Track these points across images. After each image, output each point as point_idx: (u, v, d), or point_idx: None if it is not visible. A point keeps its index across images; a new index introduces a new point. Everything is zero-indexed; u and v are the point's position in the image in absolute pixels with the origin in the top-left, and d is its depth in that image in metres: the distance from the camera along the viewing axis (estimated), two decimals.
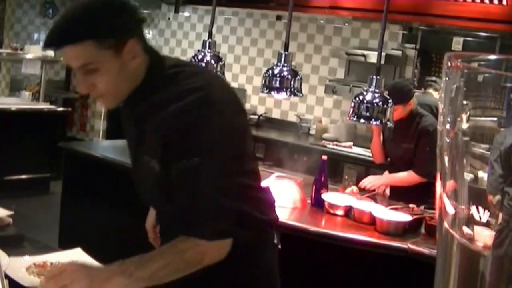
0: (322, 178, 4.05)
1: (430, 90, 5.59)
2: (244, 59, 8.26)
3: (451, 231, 0.65)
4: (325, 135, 7.03)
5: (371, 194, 4.34)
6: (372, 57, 6.53)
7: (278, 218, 2.21)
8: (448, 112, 0.65)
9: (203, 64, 4.12)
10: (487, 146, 0.65)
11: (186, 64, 2.12)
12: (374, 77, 3.83)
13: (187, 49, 8.88)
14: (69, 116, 9.46)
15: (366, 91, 3.81)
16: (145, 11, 8.78)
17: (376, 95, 3.78)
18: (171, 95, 1.88)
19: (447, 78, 0.64)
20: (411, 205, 3.94)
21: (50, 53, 8.25)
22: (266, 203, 2.11)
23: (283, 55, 4.04)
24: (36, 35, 10.47)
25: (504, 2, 5.42)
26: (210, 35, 4.37)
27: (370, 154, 5.02)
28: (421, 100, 4.83)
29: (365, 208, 3.83)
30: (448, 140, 0.66)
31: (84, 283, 1.74)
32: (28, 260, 2.26)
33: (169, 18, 9.18)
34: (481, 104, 0.65)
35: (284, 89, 4.03)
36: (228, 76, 7.73)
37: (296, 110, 7.75)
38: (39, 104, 7.90)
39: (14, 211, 2.73)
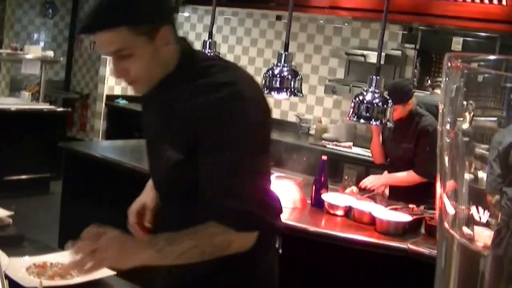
0: (322, 178, 4.05)
1: (438, 91, 5.60)
2: (244, 59, 8.26)
3: (451, 231, 0.66)
4: (325, 135, 7.03)
5: (370, 194, 4.33)
6: (372, 57, 6.52)
7: (283, 226, 2.21)
8: (448, 112, 0.65)
9: None
10: (487, 146, 0.66)
11: (218, 59, 2.16)
12: (374, 77, 3.83)
13: None
14: (69, 116, 9.48)
15: (366, 91, 3.81)
16: None
17: (376, 95, 3.78)
18: (203, 87, 1.91)
19: (447, 79, 0.64)
20: (411, 205, 3.94)
21: (50, 53, 8.27)
22: (275, 208, 2.11)
23: (283, 55, 4.04)
24: (36, 35, 10.48)
25: (504, 2, 5.42)
26: (211, 35, 4.37)
27: (370, 154, 5.02)
28: (428, 100, 4.83)
29: (365, 208, 3.83)
30: (448, 140, 0.66)
31: (115, 250, 1.83)
32: (28, 260, 2.26)
33: None
34: (481, 104, 0.65)
35: (284, 89, 4.03)
36: None
37: (296, 110, 7.75)
38: (39, 104, 7.90)
39: (14, 211, 2.73)
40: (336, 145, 6.62)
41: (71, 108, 9.16)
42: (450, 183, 0.66)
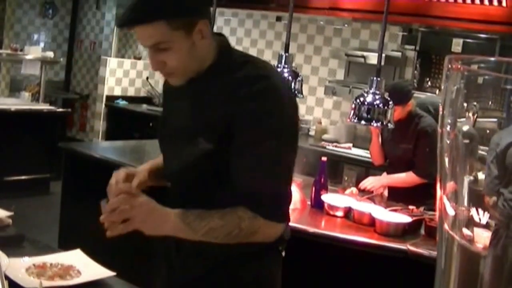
0: (322, 179, 4.05)
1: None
2: None
3: (451, 232, 0.66)
4: (325, 136, 7.03)
5: (370, 196, 4.33)
6: (372, 58, 6.53)
7: (289, 229, 2.22)
8: (448, 114, 0.65)
9: None
10: (487, 148, 0.66)
11: (252, 55, 2.20)
12: (375, 78, 3.83)
13: None
14: (69, 117, 9.48)
15: (367, 92, 3.81)
16: None
17: (377, 96, 3.79)
18: (240, 80, 1.96)
19: (447, 80, 0.65)
20: (410, 207, 3.94)
21: (50, 53, 8.27)
22: (287, 211, 2.13)
23: (284, 57, 4.04)
24: (36, 36, 10.48)
25: (504, 4, 5.43)
26: None
27: (370, 155, 5.02)
28: (436, 101, 4.83)
29: (364, 209, 3.83)
30: (448, 142, 0.66)
31: (143, 215, 1.87)
32: (27, 261, 2.26)
33: None
34: (482, 105, 0.65)
35: None
36: None
37: None
38: (39, 105, 7.91)
39: (13, 211, 2.73)
40: (336, 146, 6.62)
41: (71, 109, 9.17)
42: (450, 185, 0.66)
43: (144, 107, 8.91)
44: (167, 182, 2.25)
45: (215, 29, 7.07)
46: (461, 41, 6.03)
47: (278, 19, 7.95)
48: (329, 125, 7.35)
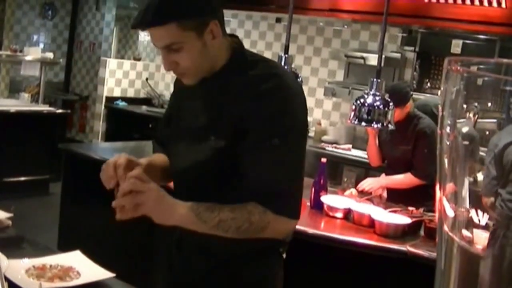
0: (321, 181, 4.05)
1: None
2: None
3: (450, 234, 0.66)
4: (324, 138, 7.04)
5: (369, 197, 4.33)
6: (372, 59, 6.53)
7: (290, 235, 2.23)
8: (448, 115, 0.65)
9: None
10: (485, 148, 0.66)
11: (263, 56, 2.26)
12: (375, 80, 3.83)
13: None
14: (68, 118, 9.47)
15: (367, 94, 3.81)
16: None
17: (377, 98, 3.79)
18: (253, 78, 2.01)
19: (446, 82, 0.65)
20: (410, 208, 3.94)
21: (50, 54, 8.27)
22: (298, 208, 2.14)
23: (284, 58, 4.05)
24: (35, 37, 10.48)
25: (504, 5, 5.43)
26: None
27: (367, 157, 5.02)
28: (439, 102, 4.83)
29: (364, 210, 3.83)
30: (447, 143, 0.66)
31: (153, 204, 1.89)
32: (27, 262, 2.26)
33: None
34: (481, 107, 0.65)
35: None
36: None
37: None
38: (39, 106, 7.91)
39: (13, 212, 2.73)
40: (335, 147, 6.63)
41: (71, 110, 9.16)
42: (450, 186, 0.66)
43: (144, 108, 8.91)
44: (160, 182, 2.24)
45: None
46: (460, 42, 6.04)
47: (278, 20, 7.95)
48: (329, 126, 7.35)
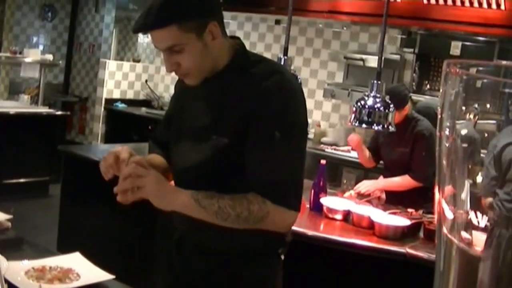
0: (321, 182, 4.05)
1: None
2: None
3: (449, 236, 0.66)
4: (324, 139, 7.03)
5: (369, 199, 4.33)
6: (371, 61, 6.54)
7: (290, 234, 2.26)
8: (447, 117, 0.66)
9: None
10: (486, 150, 0.66)
11: (265, 56, 2.30)
12: (375, 82, 3.83)
13: None
14: (68, 120, 9.47)
15: (367, 96, 3.81)
16: None
17: (377, 99, 3.79)
18: (255, 76, 2.05)
19: (446, 84, 0.65)
20: (409, 210, 3.94)
21: (49, 56, 8.27)
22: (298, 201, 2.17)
23: (282, 60, 4.05)
24: (35, 38, 10.47)
25: (503, 7, 5.43)
26: None
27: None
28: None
29: (363, 212, 3.83)
30: (447, 145, 0.66)
31: (153, 187, 1.94)
32: (27, 264, 2.26)
33: None
34: (480, 109, 0.65)
35: None
36: None
37: None
38: (38, 108, 7.91)
39: (13, 214, 2.73)
40: (334, 149, 6.63)
41: (70, 112, 9.16)
42: (449, 188, 0.66)
43: (143, 110, 8.90)
44: None
45: None
46: (460, 44, 6.04)
47: (277, 22, 7.95)
48: (328, 128, 7.35)
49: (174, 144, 2.25)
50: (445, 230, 0.66)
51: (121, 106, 9.12)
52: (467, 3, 5.61)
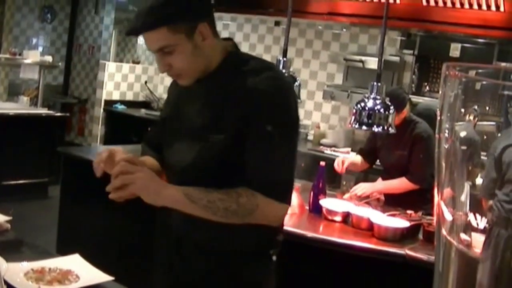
0: (320, 184, 4.05)
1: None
2: None
3: (449, 237, 0.66)
4: (323, 141, 7.04)
5: (368, 200, 4.33)
6: (370, 62, 6.54)
7: (283, 236, 2.28)
8: (446, 119, 0.66)
9: None
10: (485, 153, 0.66)
11: (255, 56, 2.33)
12: (375, 83, 3.83)
13: None
14: (67, 121, 9.47)
15: (367, 97, 3.81)
16: None
17: (377, 101, 3.79)
18: (247, 72, 2.08)
19: (445, 86, 0.65)
20: (408, 211, 3.94)
21: (49, 58, 8.27)
22: (289, 194, 2.19)
23: (282, 61, 4.05)
24: (34, 40, 10.48)
25: (502, 9, 5.44)
26: None
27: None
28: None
29: (363, 214, 3.83)
30: (446, 147, 0.66)
31: (143, 183, 1.96)
32: (26, 265, 2.26)
33: None
34: (480, 111, 0.65)
35: None
36: None
37: None
38: (37, 109, 7.91)
39: (12, 215, 2.73)
40: (334, 151, 6.63)
41: (69, 113, 9.16)
42: (448, 190, 0.66)
43: (143, 111, 8.91)
44: None
45: None
46: (459, 46, 6.04)
47: (277, 23, 7.96)
48: (328, 130, 7.35)
49: (171, 145, 2.26)
50: (444, 231, 0.66)
51: (120, 107, 9.12)
52: (466, 5, 5.62)
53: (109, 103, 9.14)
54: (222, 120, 2.07)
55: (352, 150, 6.65)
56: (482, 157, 0.67)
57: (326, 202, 3.99)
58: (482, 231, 0.66)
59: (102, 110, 9.14)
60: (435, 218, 0.68)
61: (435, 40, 6.38)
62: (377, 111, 3.78)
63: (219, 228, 2.02)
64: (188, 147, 2.15)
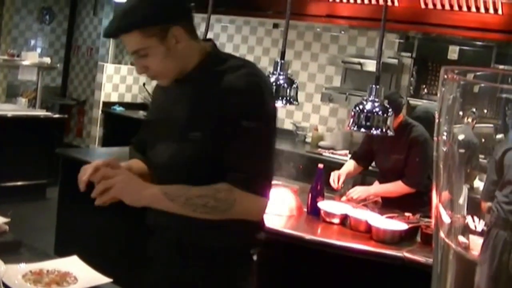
0: (318, 186, 4.06)
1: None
2: None
3: (447, 240, 0.66)
4: (321, 143, 7.04)
5: (365, 203, 4.33)
6: (369, 65, 6.55)
7: (263, 237, 2.29)
8: (445, 122, 0.66)
9: None
10: (483, 156, 0.66)
11: (234, 55, 2.37)
12: (374, 86, 3.83)
13: None
14: (65, 123, 9.46)
15: (366, 100, 3.82)
16: None
17: (376, 104, 3.79)
18: (224, 70, 2.12)
19: (443, 89, 0.65)
20: (407, 214, 3.94)
21: (47, 59, 8.26)
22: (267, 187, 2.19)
23: (279, 64, 4.05)
24: (33, 41, 10.47)
25: (500, 12, 5.45)
26: None
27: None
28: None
29: (361, 216, 3.83)
30: (444, 150, 0.66)
31: (123, 185, 2.02)
32: (24, 267, 2.26)
33: None
34: (478, 113, 0.65)
35: (280, 98, 4.04)
36: None
37: (292, 118, 7.76)
38: (36, 111, 7.90)
39: (10, 217, 2.73)
40: (332, 153, 6.63)
41: (68, 115, 9.15)
42: (446, 193, 0.66)
43: (141, 113, 8.89)
44: None
45: (211, 36, 7.05)
46: (457, 48, 6.05)
47: (275, 26, 7.96)
48: (326, 132, 7.36)
49: (153, 146, 2.31)
50: (442, 234, 0.66)
51: (118, 109, 9.11)
52: (464, 8, 5.62)
53: (107, 104, 9.13)
54: (200, 119, 2.11)
55: (350, 153, 6.65)
56: (480, 160, 0.67)
57: (324, 204, 3.99)
58: (480, 234, 0.66)
59: (100, 111, 9.13)
60: (433, 220, 0.68)
61: (433, 42, 6.39)
62: (375, 114, 3.78)
63: (199, 225, 2.07)
64: (169, 146, 2.20)
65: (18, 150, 7.25)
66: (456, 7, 5.67)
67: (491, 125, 0.66)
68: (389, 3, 5.73)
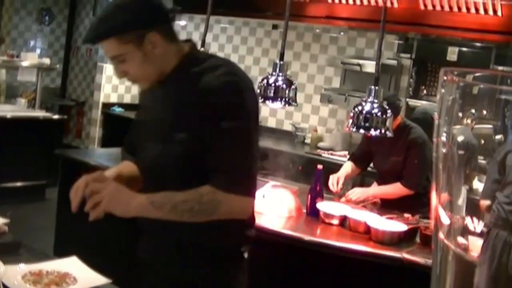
0: (318, 187, 4.06)
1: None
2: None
3: (446, 241, 0.66)
4: (320, 144, 7.04)
5: (364, 204, 4.33)
6: (368, 66, 6.55)
7: (253, 234, 2.31)
8: (444, 123, 0.66)
9: None
10: (482, 157, 0.66)
11: (215, 54, 2.44)
12: (373, 87, 3.83)
13: None
14: (65, 123, 9.46)
15: (365, 101, 3.82)
16: None
17: (375, 105, 3.79)
18: (203, 70, 2.14)
19: (443, 90, 0.65)
20: (406, 215, 3.94)
21: (46, 60, 8.26)
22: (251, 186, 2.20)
23: (278, 65, 4.06)
24: (32, 42, 10.47)
25: (499, 13, 5.45)
26: (203, 44, 4.38)
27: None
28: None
29: (360, 217, 3.83)
30: (443, 151, 0.66)
31: (111, 198, 2.04)
32: (24, 268, 2.26)
33: None
34: (477, 115, 0.65)
35: (279, 99, 4.05)
36: None
37: (291, 119, 7.76)
38: (35, 111, 7.90)
39: (10, 218, 2.73)
40: (331, 154, 6.63)
41: (67, 116, 9.15)
42: (445, 194, 0.66)
43: None
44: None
45: (210, 37, 7.08)
46: (456, 49, 6.05)
47: (275, 27, 7.96)
48: (325, 133, 7.36)
49: (140, 147, 2.33)
50: (441, 235, 0.67)
51: (118, 110, 9.11)
52: (464, 9, 5.63)
53: (106, 105, 9.13)
54: (182, 120, 2.13)
55: (349, 154, 6.65)
56: (479, 161, 0.67)
57: (324, 206, 3.99)
58: (479, 235, 0.66)
59: (99, 112, 9.12)
60: (432, 221, 0.68)
61: (432, 44, 6.39)
62: (374, 115, 3.78)
63: (199, 225, 2.08)
64: (154, 147, 2.22)
65: (18, 150, 7.24)
66: (455, 9, 5.68)
67: (490, 126, 0.66)
68: (389, 4, 5.74)
